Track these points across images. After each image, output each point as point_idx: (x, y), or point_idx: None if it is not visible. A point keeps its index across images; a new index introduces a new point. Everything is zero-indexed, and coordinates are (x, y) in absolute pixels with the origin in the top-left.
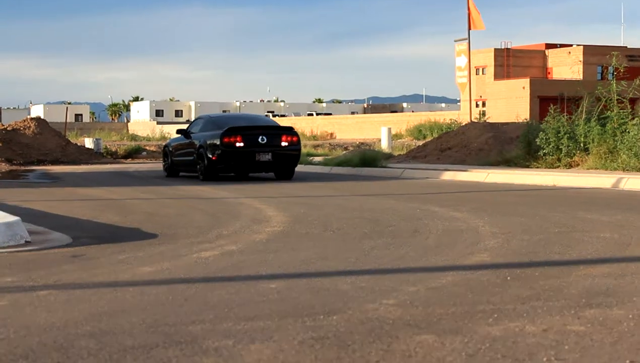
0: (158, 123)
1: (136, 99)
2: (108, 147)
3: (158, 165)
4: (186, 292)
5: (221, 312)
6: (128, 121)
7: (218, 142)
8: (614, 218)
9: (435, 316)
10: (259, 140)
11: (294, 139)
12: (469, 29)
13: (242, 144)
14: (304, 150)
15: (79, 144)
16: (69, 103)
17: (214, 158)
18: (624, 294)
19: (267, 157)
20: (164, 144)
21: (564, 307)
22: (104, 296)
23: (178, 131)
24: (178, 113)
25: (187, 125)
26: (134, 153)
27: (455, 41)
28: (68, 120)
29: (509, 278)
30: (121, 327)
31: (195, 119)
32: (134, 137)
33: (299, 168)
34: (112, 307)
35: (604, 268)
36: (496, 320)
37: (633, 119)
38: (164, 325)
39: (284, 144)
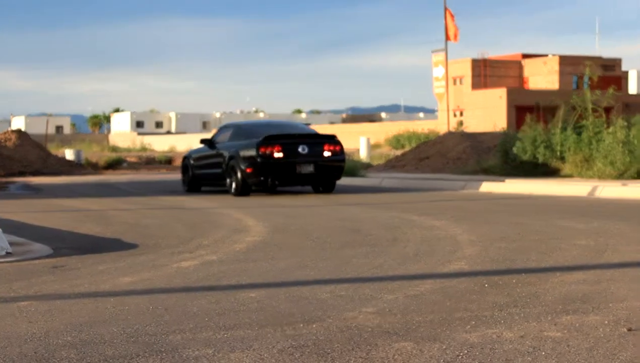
0: (139, 134)
1: (117, 111)
2: (89, 158)
3: (140, 176)
4: (166, 301)
5: (201, 321)
6: (109, 132)
7: (254, 153)
8: (590, 225)
9: (414, 323)
10: (300, 150)
11: (337, 148)
12: (446, 40)
13: (281, 155)
14: None
15: (59, 156)
16: (50, 115)
17: (248, 170)
18: (600, 300)
19: (309, 168)
20: (184, 156)
21: (541, 314)
22: (84, 306)
23: (202, 141)
24: (159, 124)
25: (212, 134)
26: (114, 164)
27: (433, 52)
28: (49, 132)
29: (486, 285)
30: (102, 337)
31: (221, 128)
32: (114, 149)
33: None
34: (93, 317)
35: (580, 275)
36: (474, 327)
37: (608, 127)
38: (144, 335)
39: (326, 154)
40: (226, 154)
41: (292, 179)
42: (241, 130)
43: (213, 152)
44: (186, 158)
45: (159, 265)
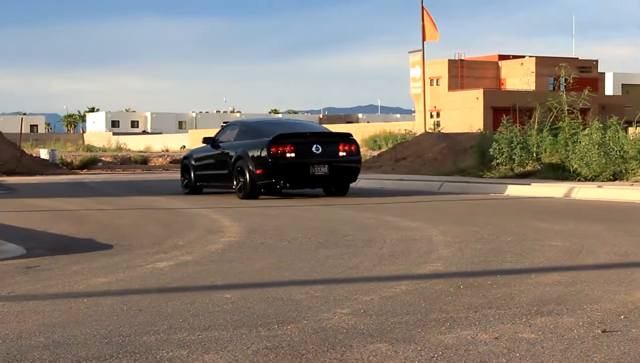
0: (114, 134)
1: (92, 110)
2: (63, 157)
3: (115, 176)
4: (141, 302)
5: (176, 322)
6: (84, 132)
7: (264, 153)
8: (566, 227)
9: (389, 325)
10: (313, 149)
11: (352, 147)
12: (423, 40)
13: (293, 155)
14: None
15: (34, 155)
16: (24, 114)
17: (258, 171)
18: (574, 302)
19: (323, 169)
20: (183, 156)
21: (516, 315)
22: (57, 307)
23: (205, 140)
24: (134, 124)
25: (215, 133)
26: (89, 164)
27: (410, 52)
28: (23, 131)
29: (461, 286)
30: (75, 337)
31: (226, 126)
32: (89, 148)
33: None
34: (66, 318)
35: (555, 276)
36: (449, 329)
37: (584, 129)
38: (118, 336)
39: (341, 153)
40: (233, 153)
41: (305, 181)
42: (249, 129)
43: (217, 151)
44: (186, 158)
45: (134, 266)
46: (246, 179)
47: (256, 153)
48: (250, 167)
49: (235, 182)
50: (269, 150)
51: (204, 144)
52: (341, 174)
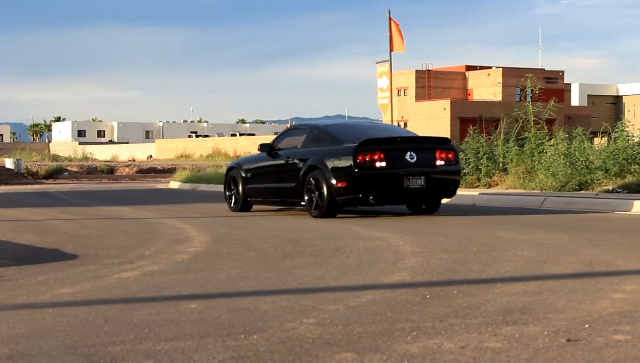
0: (80, 143)
1: (58, 119)
2: (29, 167)
3: (81, 186)
4: (106, 312)
5: (141, 332)
6: (50, 141)
7: (348, 162)
8: (532, 236)
9: (355, 334)
10: (407, 158)
11: (451, 155)
12: (391, 51)
13: (384, 164)
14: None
15: None
16: None
17: (340, 184)
18: (540, 311)
19: (419, 182)
20: (227, 166)
21: (482, 324)
22: (22, 318)
23: (261, 147)
24: (100, 133)
25: (272, 139)
26: (55, 173)
27: (377, 63)
28: None
29: (428, 296)
30: (39, 348)
31: (287, 131)
32: (55, 158)
33: (221, 188)
34: (31, 329)
35: (521, 286)
36: (415, 338)
37: (550, 139)
38: (83, 346)
39: (439, 163)
40: (301, 163)
41: (398, 196)
42: (322, 133)
43: (279, 161)
44: (233, 168)
45: (99, 276)
46: (322, 193)
47: (337, 162)
48: (330, 180)
49: (306, 198)
50: (354, 159)
51: (259, 152)
52: (439, 187)
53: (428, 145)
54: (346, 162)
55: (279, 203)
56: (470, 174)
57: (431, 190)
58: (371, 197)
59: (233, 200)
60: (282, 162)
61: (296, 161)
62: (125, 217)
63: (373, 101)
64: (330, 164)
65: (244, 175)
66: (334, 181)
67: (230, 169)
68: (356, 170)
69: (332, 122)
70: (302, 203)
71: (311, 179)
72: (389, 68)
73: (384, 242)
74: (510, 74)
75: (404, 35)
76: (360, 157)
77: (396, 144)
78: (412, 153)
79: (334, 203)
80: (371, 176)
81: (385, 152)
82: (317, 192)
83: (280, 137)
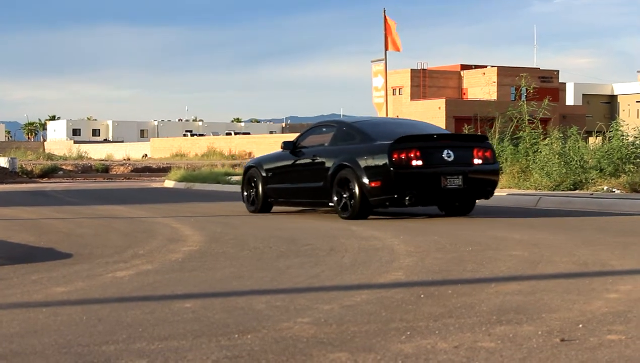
0: (75, 142)
1: (53, 118)
2: (24, 166)
3: (76, 185)
4: (100, 312)
5: (135, 331)
6: (45, 140)
7: (383, 160)
8: (526, 236)
9: (349, 334)
10: (444, 156)
11: (488, 153)
12: (386, 50)
13: (420, 163)
14: (221, 169)
15: None
16: None
17: (374, 184)
18: (534, 311)
19: (457, 181)
20: (246, 164)
21: (475, 324)
22: (16, 317)
23: (285, 145)
24: (95, 132)
25: (295, 136)
26: (50, 172)
27: (372, 62)
28: None
29: (422, 296)
30: (33, 347)
31: (312, 127)
32: (50, 156)
33: (215, 187)
34: (24, 328)
35: (515, 285)
36: (409, 338)
37: (544, 139)
38: (76, 346)
39: (476, 161)
40: (330, 161)
41: (435, 196)
42: (352, 130)
43: (304, 159)
44: (252, 167)
45: (93, 275)
46: (354, 193)
47: (370, 160)
48: (362, 179)
49: (335, 198)
50: (390, 157)
51: (281, 150)
52: (477, 187)
53: (465, 142)
54: (381, 160)
55: (303, 204)
56: None
57: (469, 190)
58: (407, 198)
59: (252, 201)
60: (308, 160)
61: (324, 159)
62: (120, 216)
63: (368, 100)
64: (362, 162)
65: (264, 174)
66: (366, 180)
67: (248, 168)
68: (391, 168)
69: (360, 118)
70: (330, 204)
71: (340, 178)
72: (384, 67)
73: (379, 242)
74: (505, 73)
75: (400, 34)
76: (395, 155)
77: (432, 141)
78: (449, 151)
79: (366, 204)
80: (407, 175)
81: (421, 150)
82: (347, 193)
83: (304, 134)
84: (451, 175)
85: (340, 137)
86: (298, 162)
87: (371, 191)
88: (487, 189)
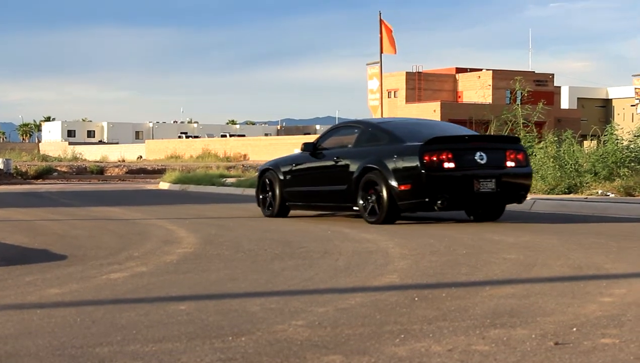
0: (70, 143)
1: (48, 119)
2: (18, 167)
3: (70, 186)
4: (94, 313)
5: (129, 333)
6: (39, 141)
7: (413, 162)
8: (521, 239)
9: (343, 336)
10: (477, 158)
11: (520, 156)
12: (381, 52)
13: (452, 165)
14: (216, 171)
15: None
16: None
17: (403, 187)
18: (528, 314)
19: (490, 185)
20: (260, 167)
21: (470, 327)
22: (10, 318)
23: (305, 146)
24: (90, 133)
25: (316, 137)
26: (45, 173)
27: (368, 65)
28: None
29: (416, 299)
30: (27, 349)
31: (333, 128)
32: (45, 158)
33: (210, 189)
34: (18, 329)
35: (509, 289)
36: (403, 341)
37: (539, 142)
38: (70, 348)
39: (509, 164)
40: (354, 164)
41: (467, 201)
42: (378, 131)
43: (327, 162)
44: (269, 170)
45: (88, 277)
46: (381, 197)
47: (399, 162)
48: (391, 182)
49: (361, 202)
50: (421, 159)
51: (301, 151)
52: (510, 191)
53: (498, 144)
54: (411, 163)
55: (324, 208)
56: None
57: (502, 194)
58: (439, 202)
59: (268, 205)
60: (331, 162)
61: (348, 162)
62: (115, 218)
63: (363, 103)
64: (391, 164)
65: (282, 177)
66: (395, 183)
67: (264, 171)
68: (423, 171)
69: (386, 119)
70: (355, 208)
71: (366, 181)
72: (379, 70)
73: (373, 244)
74: (500, 77)
75: (395, 37)
76: (427, 157)
77: (464, 143)
78: (481, 153)
79: (394, 208)
80: (439, 178)
81: (453, 152)
82: (374, 196)
83: (325, 135)
84: (484, 178)
85: (365, 138)
86: (319, 164)
87: (400, 195)
88: (520, 193)
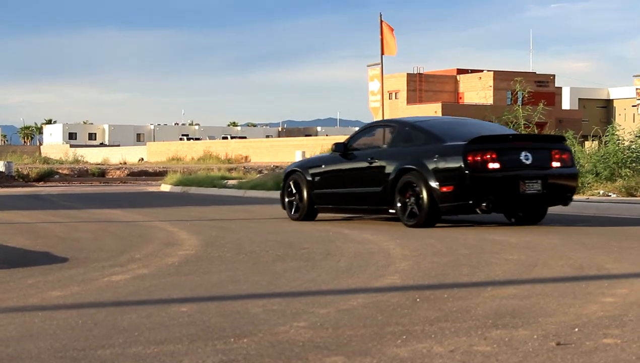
0: (71, 146)
1: (49, 122)
2: (20, 170)
3: (72, 189)
4: (96, 316)
5: (131, 336)
6: (41, 144)
7: (456, 163)
8: (522, 240)
9: (345, 338)
10: (522, 158)
11: (566, 156)
12: (382, 54)
13: (497, 166)
14: (217, 173)
15: None
16: None
17: (445, 189)
18: (530, 315)
19: (536, 186)
20: (286, 169)
21: (471, 328)
22: (12, 321)
23: (335, 147)
24: (92, 136)
25: (346, 137)
26: (46, 176)
27: (368, 66)
28: None
29: (418, 299)
30: (29, 351)
31: (365, 128)
32: (46, 160)
33: (212, 191)
34: (20, 332)
35: (511, 289)
36: (404, 342)
37: None
38: (72, 350)
39: (555, 164)
40: (391, 165)
41: (512, 202)
42: (415, 130)
43: (360, 163)
44: (295, 171)
45: (89, 279)
46: (421, 199)
47: (441, 163)
48: (431, 183)
49: (398, 204)
50: (464, 159)
51: (332, 153)
52: (556, 193)
53: (543, 144)
54: (454, 163)
55: (355, 211)
56: None
57: (548, 196)
58: (484, 204)
59: (294, 208)
60: (364, 164)
61: (383, 163)
62: (116, 220)
63: (364, 104)
64: (431, 165)
65: (310, 179)
66: (436, 185)
67: (290, 173)
68: (467, 171)
69: (422, 118)
70: (391, 210)
71: (404, 183)
72: (380, 71)
73: (375, 246)
74: (502, 78)
75: (396, 38)
76: (470, 157)
77: (508, 142)
78: (527, 153)
79: (435, 211)
80: (484, 179)
81: (497, 152)
82: (413, 198)
83: (356, 136)
84: (530, 179)
85: (401, 138)
86: (351, 165)
87: (442, 197)
88: (567, 195)
